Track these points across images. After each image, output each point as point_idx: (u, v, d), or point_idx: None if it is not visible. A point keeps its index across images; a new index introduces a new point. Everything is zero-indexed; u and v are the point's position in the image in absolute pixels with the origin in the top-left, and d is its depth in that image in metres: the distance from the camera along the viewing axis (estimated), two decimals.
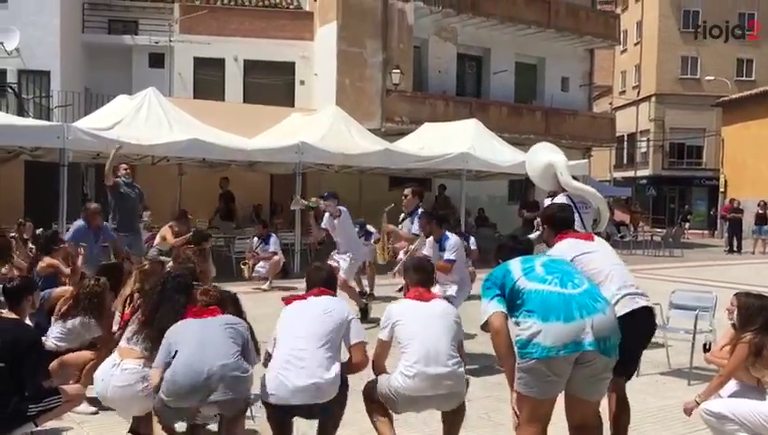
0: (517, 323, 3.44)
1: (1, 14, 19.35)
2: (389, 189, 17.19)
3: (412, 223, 7.49)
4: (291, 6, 24.52)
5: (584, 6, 25.54)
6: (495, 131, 17.64)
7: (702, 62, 38.41)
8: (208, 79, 21.78)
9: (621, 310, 3.76)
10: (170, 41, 21.60)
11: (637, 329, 3.82)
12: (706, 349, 5.15)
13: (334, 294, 4.22)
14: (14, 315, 4.29)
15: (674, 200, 39.49)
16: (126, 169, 9.31)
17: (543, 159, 6.44)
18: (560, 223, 4.29)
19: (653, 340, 5.89)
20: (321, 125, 15.16)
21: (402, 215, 8.32)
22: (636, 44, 41.56)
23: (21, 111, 17.79)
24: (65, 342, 5.07)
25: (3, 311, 4.38)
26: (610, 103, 40.90)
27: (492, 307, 3.51)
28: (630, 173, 40.93)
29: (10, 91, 18.89)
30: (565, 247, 4.04)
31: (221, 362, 3.71)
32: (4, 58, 19.08)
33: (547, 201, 7.61)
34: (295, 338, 3.85)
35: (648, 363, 6.36)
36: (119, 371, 4.15)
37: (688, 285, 9.48)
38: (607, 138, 26.38)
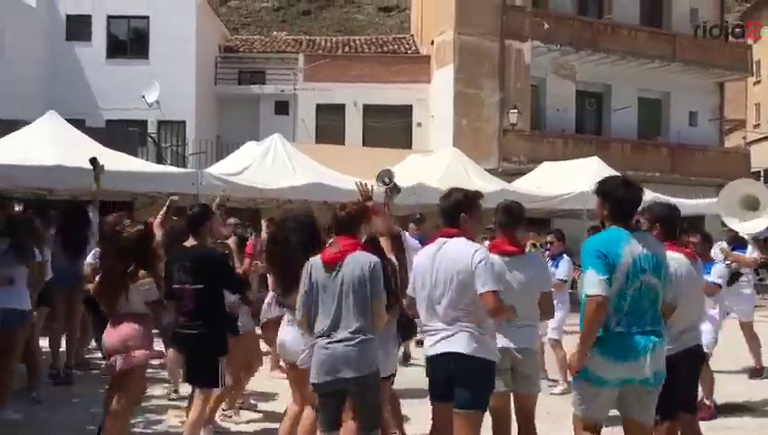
0: None
1: (143, 69, 21.05)
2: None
3: (556, 268, 7.34)
4: (408, 51, 25.10)
5: (712, 38, 24.44)
6: (618, 169, 16.98)
7: None
8: (329, 124, 22.60)
9: None
10: (295, 89, 22.67)
11: None
12: None
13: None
14: (195, 241, 4.96)
15: None
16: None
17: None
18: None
19: None
20: (438, 166, 15.27)
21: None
22: None
23: (159, 159, 19.11)
24: None
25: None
26: (744, 137, 38.56)
27: None
28: None
29: (150, 140, 20.35)
30: None
31: None
32: (146, 110, 20.67)
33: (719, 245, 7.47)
34: None
35: None
36: None
37: None
38: (741, 174, 24.71)
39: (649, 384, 3.65)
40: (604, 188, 3.85)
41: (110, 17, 21.65)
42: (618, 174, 16.73)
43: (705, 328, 5.73)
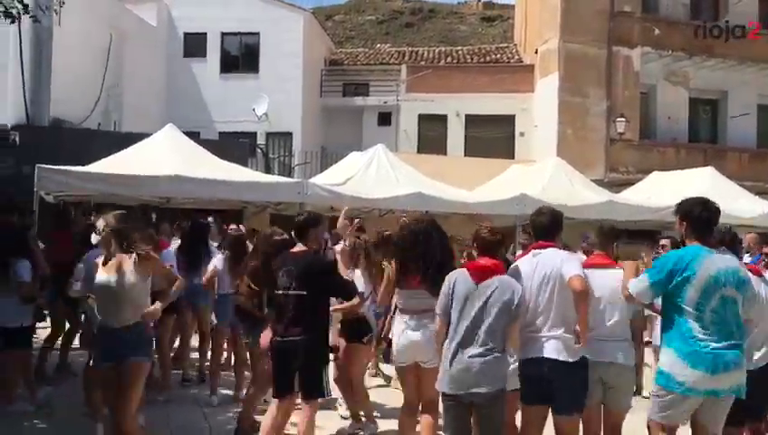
0: None
1: (253, 83, 21.95)
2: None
3: None
4: (511, 61, 24.87)
5: None
6: (735, 180, 16.23)
7: None
8: (432, 134, 22.71)
9: None
10: (397, 100, 22.94)
11: None
12: None
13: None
14: (303, 247, 5.01)
15: None
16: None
17: None
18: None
19: None
20: (541, 176, 15.02)
21: None
22: None
23: (268, 170, 19.81)
24: None
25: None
26: None
27: None
28: None
29: (259, 151, 21.14)
30: None
31: None
32: (256, 122, 21.51)
33: None
34: None
35: None
36: None
37: None
38: None
39: (730, 395, 3.88)
40: (682, 207, 4.17)
41: (223, 34, 22.71)
42: (733, 184, 16.05)
43: None
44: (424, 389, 4.75)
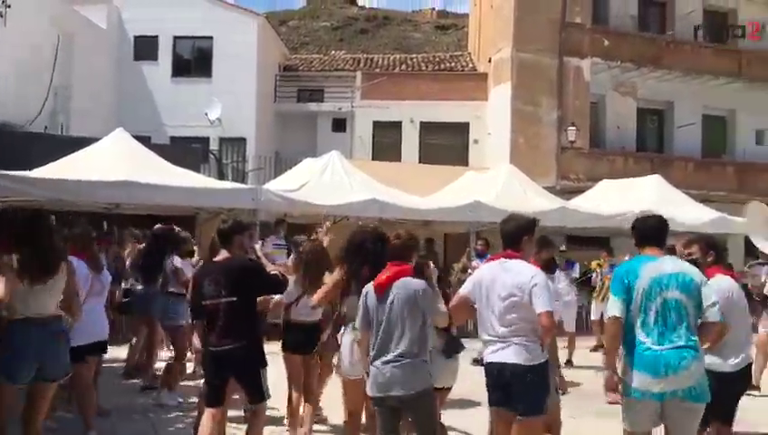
0: None
1: (206, 87, 21.67)
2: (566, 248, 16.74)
3: None
4: (465, 69, 25.13)
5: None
6: (681, 188, 16.70)
7: None
8: (386, 141, 22.77)
9: None
10: (352, 106, 22.95)
11: None
12: None
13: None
14: (227, 253, 4.94)
15: None
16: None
17: None
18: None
19: None
20: (495, 184, 15.22)
21: None
22: None
23: (221, 175, 19.57)
24: None
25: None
26: None
27: None
28: None
29: (212, 156, 20.87)
30: None
31: None
32: (208, 127, 21.23)
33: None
34: None
35: None
36: None
37: None
38: None
39: (692, 398, 3.90)
40: (634, 223, 4.43)
41: (175, 38, 22.37)
42: (679, 192, 16.48)
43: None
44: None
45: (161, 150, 13.20)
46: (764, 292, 7.58)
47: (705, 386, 3.96)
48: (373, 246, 4.77)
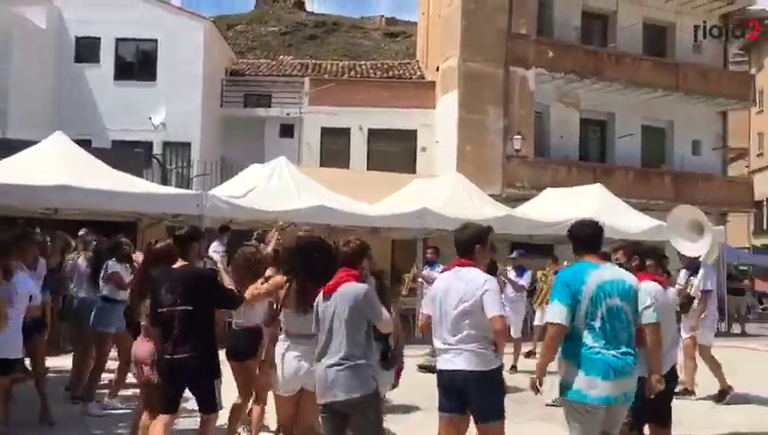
0: None
1: (150, 91, 21.26)
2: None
3: None
4: (413, 77, 25.31)
5: (715, 68, 24.65)
6: (622, 197, 17.13)
7: None
8: (334, 147, 22.74)
9: None
10: (300, 112, 22.85)
11: None
12: None
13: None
14: (184, 262, 4.84)
15: None
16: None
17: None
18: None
19: None
20: (442, 191, 15.33)
21: None
22: None
23: (164, 181, 19.20)
24: None
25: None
26: (747, 166, 38.64)
27: None
28: None
29: (156, 161, 20.47)
30: None
31: None
32: (152, 131, 20.82)
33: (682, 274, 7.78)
34: None
35: None
36: None
37: None
38: (744, 203, 24.90)
39: (628, 401, 4.09)
40: (572, 229, 4.50)
41: (118, 40, 21.89)
42: (620, 201, 16.89)
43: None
44: (304, 413, 4.71)
45: (102, 154, 12.87)
46: (689, 293, 7.74)
47: (635, 389, 4.14)
48: (315, 257, 4.68)
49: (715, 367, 8.14)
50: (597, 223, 4.47)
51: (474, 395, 4.08)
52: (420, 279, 11.11)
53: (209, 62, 22.44)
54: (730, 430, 6.75)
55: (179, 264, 4.89)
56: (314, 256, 4.67)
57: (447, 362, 4.16)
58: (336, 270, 4.42)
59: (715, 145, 25.09)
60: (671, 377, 5.13)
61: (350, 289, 4.22)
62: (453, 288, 4.20)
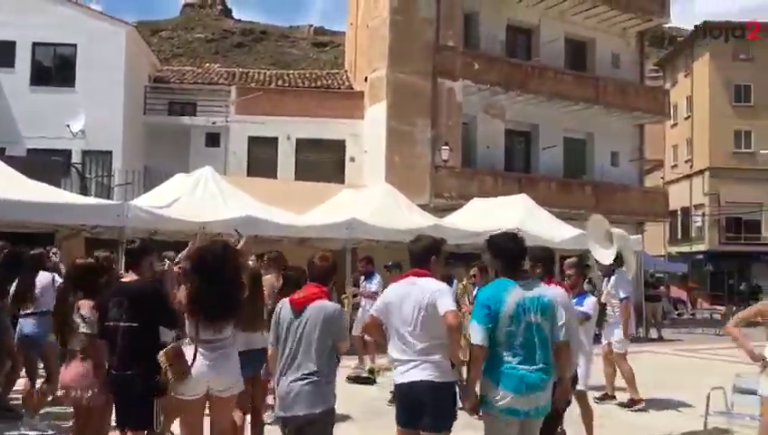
0: None
1: (69, 97, 20.51)
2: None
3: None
4: (341, 87, 25.31)
5: (632, 83, 25.67)
6: (545, 206, 17.55)
7: (755, 136, 37.85)
8: (262, 157, 22.46)
9: None
10: (227, 121, 22.47)
11: None
12: None
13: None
14: (135, 276, 4.78)
15: (732, 276, 38.20)
16: None
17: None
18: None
19: (716, 426, 5.79)
20: (370, 201, 15.33)
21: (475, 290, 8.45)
22: (686, 118, 41.24)
23: (84, 190, 18.52)
24: None
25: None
26: (662, 177, 40.37)
27: None
28: (686, 248, 39.94)
29: (75, 170, 19.73)
30: None
31: None
32: (71, 139, 20.06)
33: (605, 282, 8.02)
34: None
35: None
36: None
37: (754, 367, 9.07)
38: (660, 212, 25.98)
39: (537, 415, 4.15)
40: (493, 242, 4.39)
41: (35, 44, 21.07)
42: (544, 210, 17.31)
43: (580, 361, 5.93)
44: (216, 419, 4.64)
45: (17, 163, 12.31)
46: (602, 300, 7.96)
47: (548, 405, 4.21)
48: (217, 265, 4.55)
49: (631, 379, 8.28)
50: (523, 239, 4.44)
51: (429, 406, 4.10)
52: (359, 295, 11.12)
53: (132, 69, 21.83)
54: (648, 433, 6.95)
55: (129, 278, 4.82)
56: (215, 266, 4.53)
57: (406, 375, 4.16)
58: (238, 274, 4.45)
59: (632, 157, 26.11)
60: (573, 382, 5.26)
61: (323, 307, 4.24)
62: (409, 297, 4.21)
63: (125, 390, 4.65)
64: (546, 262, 5.30)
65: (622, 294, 8.40)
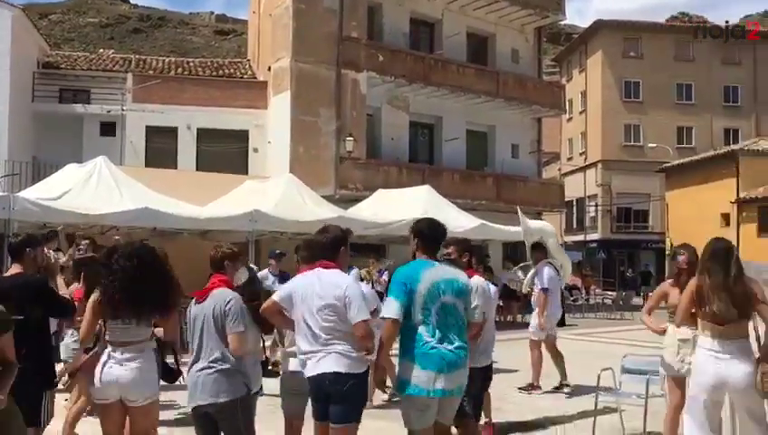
0: None
1: None
2: None
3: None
4: (244, 76, 24.82)
5: (531, 77, 26.51)
6: (448, 197, 17.87)
7: (644, 130, 39.99)
8: (161, 147, 21.72)
9: None
10: (123, 110, 21.57)
11: None
12: None
13: None
14: (18, 269, 4.68)
15: (623, 263, 40.32)
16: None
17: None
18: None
19: (606, 405, 6.06)
20: (274, 193, 15.13)
21: None
22: (581, 113, 43.11)
23: None
24: None
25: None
26: (559, 169, 42.02)
27: None
28: (580, 237, 41.82)
29: None
30: None
31: None
32: None
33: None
34: None
35: (603, 429, 6.38)
36: None
37: (641, 348, 9.58)
38: (556, 203, 27.00)
39: (458, 393, 4.28)
40: (415, 226, 4.57)
41: None
42: (447, 201, 17.61)
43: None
44: (134, 428, 4.46)
45: None
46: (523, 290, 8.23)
47: (466, 380, 4.35)
48: (125, 265, 4.37)
49: (537, 365, 8.60)
50: (443, 226, 4.59)
51: (337, 396, 4.08)
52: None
53: (18, 53, 20.61)
54: (541, 415, 7.23)
55: (13, 271, 4.70)
56: (128, 264, 4.36)
57: (314, 367, 4.13)
58: (155, 273, 4.33)
59: (531, 149, 27.00)
60: (488, 371, 5.47)
61: (222, 295, 4.24)
62: (315, 290, 4.18)
63: (18, 385, 4.38)
64: (473, 254, 5.52)
65: (540, 285, 8.65)
